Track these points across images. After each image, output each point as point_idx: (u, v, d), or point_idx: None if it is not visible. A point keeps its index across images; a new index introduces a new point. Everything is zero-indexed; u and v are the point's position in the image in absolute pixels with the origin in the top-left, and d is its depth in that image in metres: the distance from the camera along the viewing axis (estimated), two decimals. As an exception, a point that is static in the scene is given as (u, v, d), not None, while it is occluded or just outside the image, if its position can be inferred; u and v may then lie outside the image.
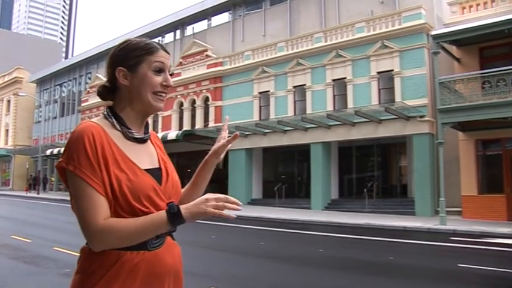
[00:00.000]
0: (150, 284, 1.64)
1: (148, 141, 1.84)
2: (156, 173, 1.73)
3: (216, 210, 1.59)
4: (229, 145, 1.95)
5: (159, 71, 1.75)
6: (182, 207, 1.59)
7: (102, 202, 1.57)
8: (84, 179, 1.57)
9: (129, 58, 1.75)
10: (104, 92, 1.85)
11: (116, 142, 1.68)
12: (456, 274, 8.31)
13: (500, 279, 7.96)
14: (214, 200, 1.60)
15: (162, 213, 1.59)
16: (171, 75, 1.80)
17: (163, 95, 1.77)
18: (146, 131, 1.84)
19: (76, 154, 1.58)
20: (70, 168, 1.57)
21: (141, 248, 1.62)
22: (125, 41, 1.81)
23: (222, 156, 1.95)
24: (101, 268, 1.60)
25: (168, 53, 1.82)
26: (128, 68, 1.74)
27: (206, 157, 1.93)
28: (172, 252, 1.75)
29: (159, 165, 1.80)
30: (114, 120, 1.74)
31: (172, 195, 1.76)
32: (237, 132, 1.90)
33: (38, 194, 39.60)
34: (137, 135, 1.77)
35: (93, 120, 1.72)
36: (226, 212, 1.61)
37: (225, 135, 1.90)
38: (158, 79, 1.74)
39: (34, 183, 44.69)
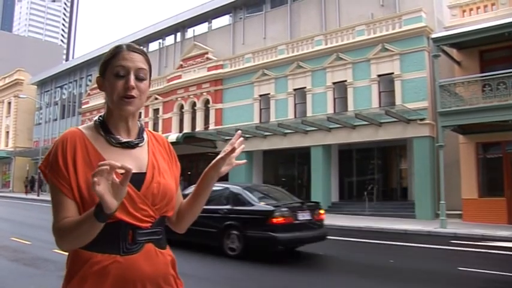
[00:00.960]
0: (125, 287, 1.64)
1: (144, 146, 1.83)
2: (136, 178, 1.68)
3: (99, 189, 1.42)
4: (230, 161, 1.83)
5: (120, 75, 1.72)
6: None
7: (66, 204, 1.62)
8: (53, 182, 1.65)
9: (101, 65, 1.78)
10: None
11: (97, 147, 1.72)
12: (456, 277, 8.29)
13: (501, 283, 7.94)
14: (97, 174, 1.43)
15: (92, 208, 1.51)
16: (141, 78, 1.75)
17: (131, 98, 1.72)
18: (140, 136, 1.83)
19: (50, 158, 1.68)
20: (45, 171, 1.68)
21: (112, 251, 1.63)
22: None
23: (224, 170, 1.83)
24: (74, 268, 1.66)
25: (139, 52, 1.77)
26: (101, 75, 1.78)
27: (206, 169, 1.87)
28: (154, 261, 1.71)
29: (146, 169, 1.77)
30: (98, 126, 1.79)
31: (157, 200, 1.74)
32: (236, 149, 1.81)
33: (38, 195, 39.57)
34: (122, 139, 1.77)
35: (83, 125, 1.81)
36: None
37: (229, 148, 1.81)
38: (120, 83, 1.72)
39: (31, 185, 45.11)
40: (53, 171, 1.65)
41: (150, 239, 1.72)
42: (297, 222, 9.81)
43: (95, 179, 1.41)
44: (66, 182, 1.63)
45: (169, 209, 1.82)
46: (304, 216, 10.03)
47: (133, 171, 1.60)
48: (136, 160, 1.76)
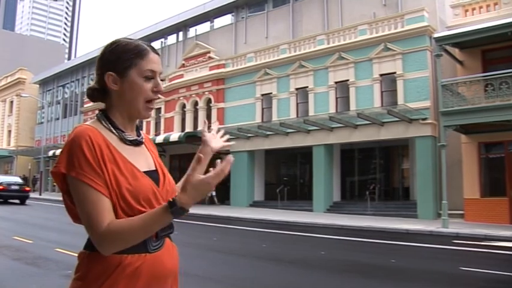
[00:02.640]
0: (151, 287, 1.62)
1: (143, 144, 1.81)
2: (153, 176, 1.71)
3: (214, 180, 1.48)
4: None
5: (149, 78, 1.70)
6: (179, 198, 1.48)
7: (106, 205, 1.56)
8: (88, 184, 1.54)
9: (118, 62, 1.69)
10: (94, 94, 1.77)
11: (115, 144, 1.67)
12: (458, 277, 8.27)
13: (503, 283, 7.93)
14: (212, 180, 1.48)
15: (164, 206, 1.50)
16: (162, 80, 1.77)
17: (154, 102, 1.74)
18: (139, 134, 1.81)
19: (76, 159, 1.55)
20: (72, 174, 1.55)
21: (141, 250, 1.60)
22: (114, 42, 1.74)
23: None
24: (103, 274, 1.57)
25: (159, 54, 1.76)
26: (117, 73, 1.68)
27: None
28: (172, 254, 1.73)
29: (156, 167, 1.78)
30: (108, 123, 1.71)
31: (170, 195, 1.72)
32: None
33: (40, 195, 39.62)
34: (131, 137, 1.74)
35: (87, 123, 1.69)
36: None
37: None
38: (149, 86, 1.70)
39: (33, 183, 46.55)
40: (85, 172, 1.54)
41: (168, 233, 1.72)
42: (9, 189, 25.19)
43: (214, 177, 1.47)
44: (101, 180, 1.56)
45: None
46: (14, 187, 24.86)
47: (147, 169, 1.70)
48: (143, 158, 1.76)
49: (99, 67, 1.73)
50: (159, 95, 1.76)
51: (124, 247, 1.54)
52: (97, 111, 1.78)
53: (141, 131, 1.84)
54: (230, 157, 1.51)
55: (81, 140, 1.57)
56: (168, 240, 1.74)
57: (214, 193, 26.20)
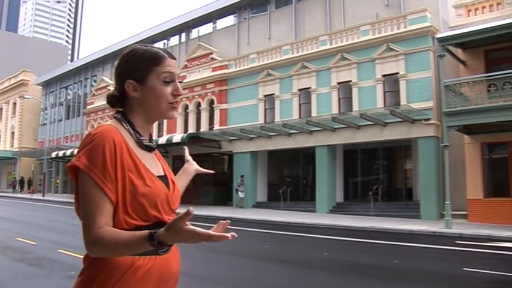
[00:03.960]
0: (162, 283, 1.68)
1: (154, 150, 1.87)
2: (164, 180, 1.77)
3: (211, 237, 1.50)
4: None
5: (168, 81, 1.75)
6: (161, 235, 1.46)
7: (108, 210, 1.58)
8: (99, 186, 1.57)
9: (136, 70, 1.74)
10: (114, 101, 1.84)
11: (133, 148, 1.71)
12: (462, 278, 8.26)
13: (506, 284, 7.91)
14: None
15: (145, 235, 1.48)
16: (179, 82, 1.81)
17: (177, 104, 1.81)
18: (151, 140, 1.85)
19: (96, 159, 1.58)
20: (88, 172, 1.57)
21: (152, 253, 1.62)
22: (131, 51, 1.79)
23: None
24: (112, 276, 1.59)
25: (175, 59, 1.81)
26: (136, 80, 1.73)
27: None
28: (176, 256, 1.79)
29: (164, 172, 1.83)
30: (129, 126, 1.75)
31: (176, 202, 1.80)
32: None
33: (43, 196, 39.71)
34: (147, 142, 1.78)
35: (108, 123, 1.73)
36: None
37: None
38: (168, 90, 1.75)
39: (20, 185, 48.10)
40: (97, 170, 1.57)
41: None
42: None
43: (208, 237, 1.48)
44: (112, 184, 1.59)
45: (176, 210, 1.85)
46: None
47: (157, 174, 1.74)
48: (155, 163, 1.81)
49: (118, 76, 1.79)
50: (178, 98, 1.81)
51: (109, 256, 1.58)
52: (114, 113, 1.81)
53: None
54: (228, 235, 1.52)
55: (105, 142, 1.61)
56: (174, 244, 1.76)
57: (242, 195, 26.08)
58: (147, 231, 1.48)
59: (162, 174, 1.80)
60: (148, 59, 1.74)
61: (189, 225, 1.43)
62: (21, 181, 48.59)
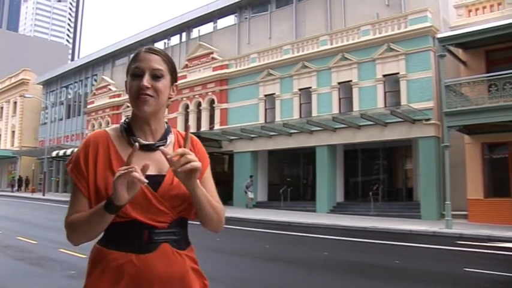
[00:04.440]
0: (138, 284, 1.68)
1: (169, 147, 1.85)
2: (155, 179, 1.73)
3: (119, 179, 1.54)
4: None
5: (136, 75, 1.76)
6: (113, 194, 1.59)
7: (79, 201, 1.75)
8: (73, 179, 1.76)
9: (127, 67, 1.83)
10: None
11: (119, 148, 1.78)
12: (462, 278, 8.26)
13: (507, 284, 7.91)
14: (119, 171, 1.56)
15: (103, 202, 1.62)
16: (158, 77, 1.76)
17: (145, 97, 1.73)
18: (164, 138, 1.85)
19: (74, 157, 1.78)
20: (69, 169, 1.79)
21: (128, 249, 1.69)
22: None
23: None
24: (95, 263, 1.75)
25: (153, 53, 1.79)
26: (127, 77, 1.82)
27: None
28: (169, 261, 1.73)
29: (166, 172, 1.79)
30: (123, 128, 1.83)
31: (176, 202, 1.76)
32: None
33: (43, 195, 39.73)
34: (143, 142, 1.79)
35: (111, 127, 1.87)
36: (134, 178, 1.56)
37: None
38: (135, 84, 1.75)
39: (19, 184, 48.62)
40: (74, 169, 1.76)
41: (166, 239, 1.75)
42: None
43: (117, 174, 1.54)
44: (85, 180, 1.73)
45: (189, 212, 1.82)
46: None
47: (152, 173, 1.72)
48: (156, 162, 1.78)
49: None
50: (151, 92, 1.74)
51: (81, 238, 1.72)
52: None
53: (171, 135, 1.90)
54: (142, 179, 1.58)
55: (83, 143, 1.79)
56: (169, 246, 1.75)
57: (252, 195, 25.97)
58: (101, 205, 1.61)
59: (161, 173, 1.77)
60: (131, 57, 1.83)
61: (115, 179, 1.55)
62: (19, 180, 48.85)
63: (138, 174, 1.54)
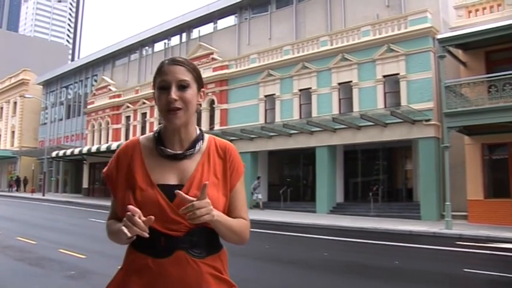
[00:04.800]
0: (153, 286, 1.76)
1: (196, 157, 1.88)
2: (172, 190, 1.75)
3: (124, 228, 1.64)
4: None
5: (163, 88, 1.79)
6: None
7: (114, 204, 1.91)
8: (108, 185, 1.90)
9: (153, 80, 1.87)
10: None
11: (146, 157, 1.86)
12: (462, 279, 8.26)
13: (506, 285, 7.90)
14: (127, 218, 1.64)
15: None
16: (184, 87, 1.80)
17: (175, 111, 1.78)
18: (192, 146, 1.87)
19: (109, 165, 1.91)
20: (105, 176, 1.90)
21: (146, 253, 1.78)
22: None
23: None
24: (124, 261, 1.88)
25: (178, 64, 1.82)
26: (154, 90, 1.87)
27: None
28: (183, 268, 1.76)
29: (181, 182, 1.83)
30: (155, 137, 1.90)
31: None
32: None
33: (43, 195, 39.72)
34: (170, 152, 1.84)
35: (145, 136, 1.96)
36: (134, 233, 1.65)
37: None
38: (163, 97, 1.79)
39: (17, 184, 48.66)
40: (108, 175, 1.89)
41: (181, 246, 1.78)
42: None
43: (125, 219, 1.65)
44: (115, 185, 1.86)
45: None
46: None
47: (173, 183, 1.81)
48: (179, 172, 1.84)
49: None
50: (179, 104, 1.78)
51: (115, 241, 1.82)
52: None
53: (202, 143, 1.92)
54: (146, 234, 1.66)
55: (116, 151, 1.92)
56: (184, 254, 1.77)
57: (260, 196, 25.81)
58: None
59: (172, 183, 1.81)
60: (156, 70, 1.86)
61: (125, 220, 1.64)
62: (17, 180, 48.96)
63: (140, 228, 1.63)
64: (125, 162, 1.85)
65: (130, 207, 1.64)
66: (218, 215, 1.76)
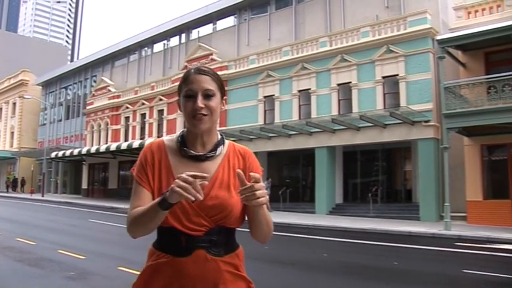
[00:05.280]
0: (173, 285, 1.84)
1: (217, 159, 1.97)
2: None
3: (178, 189, 1.62)
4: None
5: (190, 96, 1.89)
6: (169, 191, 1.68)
7: (140, 194, 1.90)
8: (135, 177, 1.94)
9: (177, 88, 2.00)
10: None
11: (171, 156, 1.95)
12: (461, 280, 8.27)
13: (505, 286, 7.91)
14: (180, 180, 1.63)
15: (157, 199, 1.74)
16: (210, 96, 1.88)
17: (200, 116, 1.87)
18: (214, 149, 1.96)
19: (137, 161, 1.98)
20: (134, 171, 1.96)
21: (167, 251, 1.87)
22: None
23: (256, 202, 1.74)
24: (147, 260, 1.94)
25: (205, 73, 1.92)
26: (179, 99, 1.98)
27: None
28: (202, 266, 1.84)
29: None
30: (179, 139, 1.98)
31: (213, 212, 1.86)
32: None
33: (42, 196, 39.69)
34: (193, 153, 1.93)
35: (168, 137, 2.05)
36: (190, 195, 1.63)
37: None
38: (189, 105, 1.88)
39: (13, 184, 49.15)
40: (137, 169, 1.95)
41: (201, 246, 1.85)
42: None
43: (183, 177, 1.64)
44: (144, 177, 1.92)
45: (229, 221, 1.90)
46: None
47: None
48: (201, 172, 1.83)
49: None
50: (205, 111, 1.87)
51: (138, 230, 1.84)
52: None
53: (223, 147, 2.01)
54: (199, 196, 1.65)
55: (144, 149, 2.00)
56: (204, 252, 1.85)
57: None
58: (158, 200, 1.73)
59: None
60: (182, 78, 1.97)
61: (174, 186, 1.64)
62: (14, 181, 49.16)
63: (197, 191, 1.63)
64: (151, 160, 1.94)
65: (189, 173, 1.65)
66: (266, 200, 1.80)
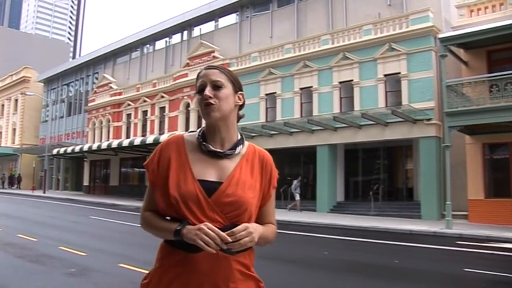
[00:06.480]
0: (185, 281, 1.86)
1: (235, 158, 1.99)
2: (210, 186, 1.89)
3: (200, 242, 1.72)
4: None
5: (201, 89, 1.94)
6: (186, 228, 1.79)
7: (152, 195, 1.97)
8: (148, 176, 1.98)
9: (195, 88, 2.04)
10: None
11: (190, 152, 1.96)
12: (462, 279, 8.26)
13: (506, 285, 7.90)
14: (204, 231, 1.73)
15: (174, 225, 1.83)
16: (218, 87, 1.93)
17: (209, 106, 1.90)
18: (233, 148, 1.98)
19: (151, 157, 1.99)
20: (146, 167, 1.99)
21: (179, 247, 1.86)
22: None
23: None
24: (163, 257, 1.94)
25: (214, 68, 1.98)
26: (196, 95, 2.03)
27: None
28: (213, 262, 1.85)
29: (219, 179, 1.92)
30: (200, 134, 2.00)
31: (228, 209, 1.87)
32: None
33: (44, 192, 39.75)
34: (211, 149, 1.95)
35: (190, 132, 2.09)
36: (210, 247, 1.73)
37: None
38: (200, 97, 1.94)
39: (10, 181, 49.79)
40: (149, 167, 1.97)
41: None
42: None
43: (204, 230, 1.74)
44: (156, 176, 1.94)
45: (243, 220, 1.90)
46: None
47: (212, 179, 1.90)
48: (219, 169, 1.95)
49: None
50: (213, 100, 1.92)
51: (153, 234, 1.95)
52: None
53: (242, 147, 2.03)
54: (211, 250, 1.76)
55: (159, 145, 2.00)
56: (218, 251, 1.83)
57: (298, 197, 24.64)
58: (174, 226, 1.82)
59: (220, 180, 1.91)
60: (196, 78, 2.02)
61: (195, 235, 1.75)
62: (11, 177, 49.71)
63: (213, 247, 1.74)
64: (167, 156, 1.94)
65: (220, 233, 1.75)
66: (257, 235, 1.90)
